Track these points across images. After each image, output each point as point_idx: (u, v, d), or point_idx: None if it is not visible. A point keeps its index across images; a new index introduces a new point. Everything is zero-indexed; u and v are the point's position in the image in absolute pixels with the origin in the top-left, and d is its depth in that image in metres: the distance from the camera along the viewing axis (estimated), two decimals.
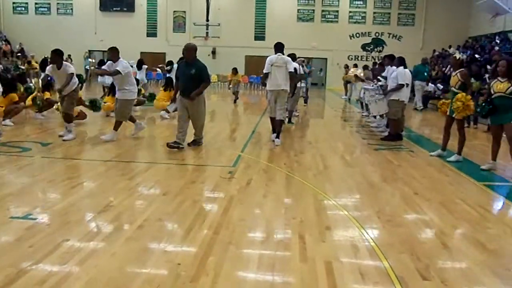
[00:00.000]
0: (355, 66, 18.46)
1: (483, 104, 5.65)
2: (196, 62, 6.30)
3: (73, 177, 4.85)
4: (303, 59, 12.15)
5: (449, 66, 14.82)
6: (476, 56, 16.93)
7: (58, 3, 25.03)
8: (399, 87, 7.62)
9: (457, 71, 6.15)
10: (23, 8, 25.27)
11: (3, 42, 23.33)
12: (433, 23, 23.24)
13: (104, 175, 5.03)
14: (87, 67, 21.00)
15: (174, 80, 9.40)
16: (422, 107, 14.11)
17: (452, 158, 6.17)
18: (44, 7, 25.21)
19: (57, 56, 6.72)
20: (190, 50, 6.27)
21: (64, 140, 6.63)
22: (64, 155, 5.91)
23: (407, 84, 7.80)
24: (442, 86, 14.59)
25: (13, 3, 25.16)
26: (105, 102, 9.61)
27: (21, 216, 3.55)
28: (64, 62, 6.81)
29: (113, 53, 6.79)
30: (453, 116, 6.10)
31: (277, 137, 7.12)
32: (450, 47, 21.22)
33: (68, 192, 4.29)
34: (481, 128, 9.77)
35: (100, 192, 4.34)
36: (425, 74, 14.73)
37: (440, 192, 4.73)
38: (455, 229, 3.64)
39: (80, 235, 3.19)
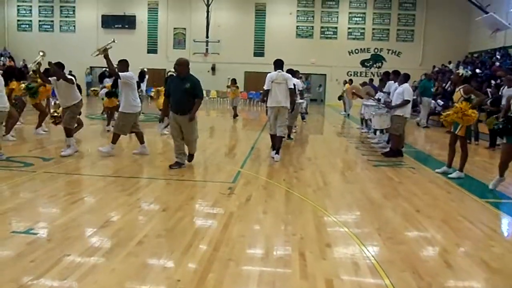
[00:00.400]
0: (351, 82, 18.61)
1: (503, 121, 5.39)
2: (189, 76, 6.11)
3: (74, 193, 4.86)
4: (300, 75, 12.23)
5: (449, 82, 14.88)
6: (477, 71, 16.96)
7: (61, 21, 25.49)
8: (405, 103, 7.65)
9: (460, 87, 6.20)
10: (27, 26, 25.73)
11: (8, 59, 23.63)
12: (432, 39, 23.47)
13: (104, 190, 5.03)
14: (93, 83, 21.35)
15: None
16: (425, 125, 13.95)
17: (454, 175, 6.18)
18: (48, 25, 25.64)
19: (58, 69, 6.80)
20: (183, 65, 6.09)
21: (62, 156, 6.63)
22: (65, 170, 5.91)
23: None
24: (442, 102, 14.65)
25: (18, 20, 25.65)
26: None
27: (22, 231, 3.55)
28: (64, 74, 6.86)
29: (122, 66, 6.99)
30: (456, 133, 6.13)
31: (277, 153, 7.14)
32: (450, 62, 21.39)
33: (69, 207, 4.29)
34: (482, 144, 9.80)
35: (100, 208, 4.34)
36: (432, 90, 14.59)
37: (442, 209, 4.72)
38: (457, 247, 3.61)
39: (80, 251, 3.19)
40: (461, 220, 4.32)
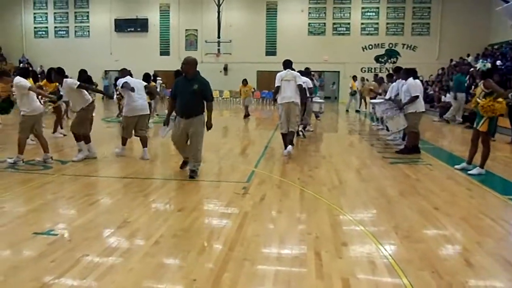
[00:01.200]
0: (354, 78, 18.65)
1: None
2: (197, 77, 5.61)
3: (91, 194, 4.93)
4: (313, 73, 12.20)
5: (468, 76, 14.54)
6: (498, 63, 16.40)
7: (75, 26, 25.99)
8: (413, 99, 7.56)
9: (481, 81, 6.08)
10: (44, 32, 26.34)
11: (26, 65, 24.17)
12: (449, 32, 23.01)
13: (121, 191, 5.10)
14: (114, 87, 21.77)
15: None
16: (459, 121, 13.17)
17: (474, 171, 6.05)
18: (63, 31, 26.17)
19: (57, 75, 6.86)
20: (190, 64, 5.59)
21: (74, 161, 6.56)
22: (83, 172, 6.00)
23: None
24: None
25: (35, 27, 26.28)
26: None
27: (43, 232, 3.64)
28: (64, 79, 6.75)
29: (123, 73, 7.46)
30: (478, 128, 6.00)
31: (291, 143, 7.18)
32: (468, 55, 20.85)
33: (87, 208, 4.36)
34: (503, 139, 9.57)
35: (117, 209, 4.40)
36: (465, 84, 13.83)
37: (461, 206, 4.64)
38: (478, 245, 3.52)
39: (99, 251, 3.24)
40: (482, 217, 4.23)
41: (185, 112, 5.60)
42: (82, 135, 6.73)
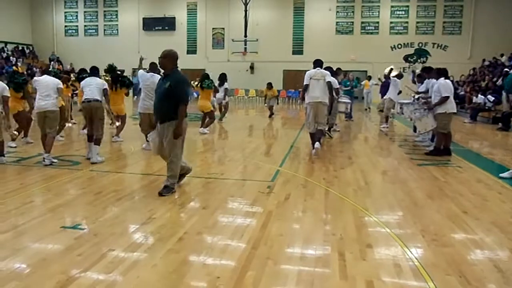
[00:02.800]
0: (369, 78, 19.02)
1: None
2: (173, 73, 4.79)
3: (118, 190, 5.03)
4: (345, 73, 12.15)
5: (501, 77, 14.00)
6: None
7: (105, 25, 26.59)
8: (444, 99, 7.36)
9: None
10: (74, 31, 27.07)
11: (56, 63, 24.96)
12: (482, 31, 22.28)
13: (147, 188, 5.18)
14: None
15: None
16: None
17: (506, 174, 5.84)
18: (92, 29, 26.82)
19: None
20: (167, 57, 4.80)
21: (92, 163, 6.34)
22: (110, 169, 6.14)
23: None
24: (493, 98, 13.87)
25: (65, 26, 27.04)
26: None
27: (71, 226, 3.74)
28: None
29: (152, 68, 7.36)
30: None
31: (318, 141, 7.14)
32: (502, 55, 20.06)
33: (114, 204, 4.46)
34: None
35: (142, 205, 4.47)
36: None
37: (491, 210, 4.48)
38: (509, 251, 3.40)
39: (124, 246, 3.30)
40: None
41: (158, 116, 4.81)
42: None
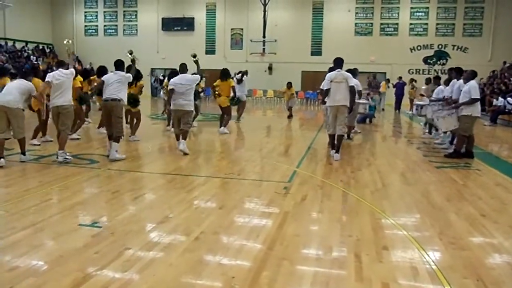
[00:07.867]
0: (388, 81, 19.31)
1: None
2: None
3: (135, 189, 5.10)
4: (370, 74, 12.14)
5: None
6: None
7: (124, 25, 26.93)
8: (473, 101, 7.18)
9: None
10: (94, 31, 27.50)
11: (76, 63, 25.41)
12: (503, 33, 21.83)
13: (164, 187, 5.24)
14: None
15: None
16: None
17: None
18: (112, 29, 27.20)
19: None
20: None
21: (111, 160, 6.51)
22: (127, 168, 6.22)
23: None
24: None
25: (85, 26, 27.49)
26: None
27: (88, 224, 3.80)
28: None
29: (182, 68, 7.67)
30: None
31: (337, 152, 7.04)
32: None
33: (130, 203, 4.52)
34: None
35: (159, 204, 4.52)
36: None
37: (510, 214, 4.39)
38: None
39: (141, 244, 3.34)
40: None
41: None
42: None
